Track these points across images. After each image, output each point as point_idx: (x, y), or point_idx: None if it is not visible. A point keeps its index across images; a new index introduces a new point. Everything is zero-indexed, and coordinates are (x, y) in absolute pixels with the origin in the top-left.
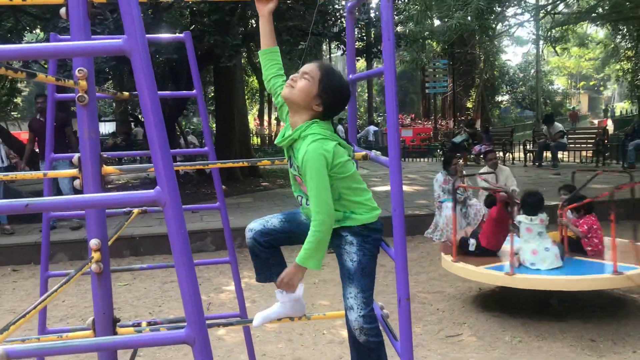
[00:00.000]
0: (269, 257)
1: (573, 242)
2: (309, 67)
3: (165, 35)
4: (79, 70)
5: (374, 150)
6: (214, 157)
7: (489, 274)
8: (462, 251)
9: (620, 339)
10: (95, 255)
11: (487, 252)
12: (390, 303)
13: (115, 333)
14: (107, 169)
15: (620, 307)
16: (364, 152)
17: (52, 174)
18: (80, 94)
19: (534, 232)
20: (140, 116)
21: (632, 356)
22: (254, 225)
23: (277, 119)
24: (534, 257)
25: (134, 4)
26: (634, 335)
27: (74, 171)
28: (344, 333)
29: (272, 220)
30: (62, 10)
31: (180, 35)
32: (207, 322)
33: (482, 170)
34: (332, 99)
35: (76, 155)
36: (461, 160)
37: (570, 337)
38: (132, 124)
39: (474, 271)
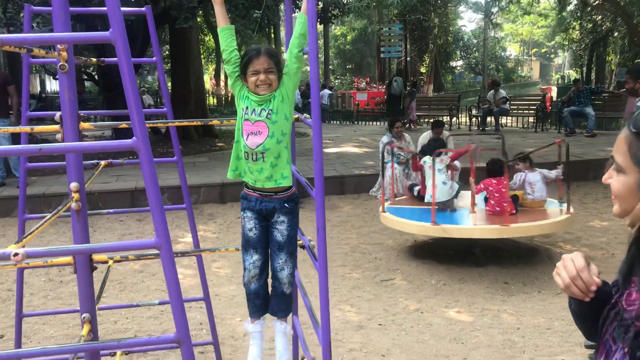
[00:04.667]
0: (267, 293)
1: None
2: (266, 62)
3: (127, 9)
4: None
5: (305, 114)
6: (172, 118)
7: (415, 225)
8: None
9: (530, 281)
10: (75, 196)
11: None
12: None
13: (91, 261)
14: (84, 124)
15: (533, 256)
16: (296, 115)
17: (38, 129)
18: (61, 63)
19: (435, 170)
20: (93, 74)
21: (537, 295)
22: (254, 272)
23: None
24: (433, 190)
25: (117, 6)
26: (540, 278)
27: (56, 126)
28: None
29: (253, 257)
30: None
31: (142, 9)
32: None
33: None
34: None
35: (58, 113)
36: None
37: (488, 280)
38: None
39: (404, 223)
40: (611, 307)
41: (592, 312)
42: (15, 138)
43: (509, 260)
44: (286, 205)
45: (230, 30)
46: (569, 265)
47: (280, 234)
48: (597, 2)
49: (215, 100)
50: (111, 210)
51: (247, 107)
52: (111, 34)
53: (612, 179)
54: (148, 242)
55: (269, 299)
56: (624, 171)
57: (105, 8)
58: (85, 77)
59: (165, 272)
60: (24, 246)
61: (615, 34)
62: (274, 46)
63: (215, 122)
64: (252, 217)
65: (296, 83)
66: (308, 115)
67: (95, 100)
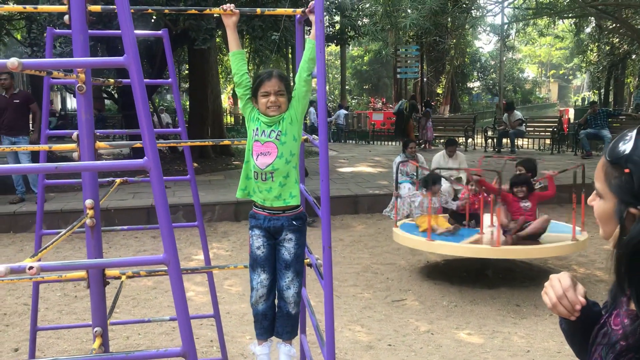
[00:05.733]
0: (273, 313)
1: None
2: (277, 84)
3: (143, 32)
4: None
5: (313, 135)
6: (185, 137)
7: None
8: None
9: (541, 304)
10: (90, 212)
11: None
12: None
13: (104, 276)
14: (100, 144)
15: (546, 278)
16: (305, 136)
17: (56, 147)
18: (79, 85)
19: None
20: (113, 92)
21: (549, 318)
22: (261, 292)
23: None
24: None
25: (131, 32)
26: None
27: (73, 145)
28: None
29: (261, 276)
30: (66, 17)
31: (159, 32)
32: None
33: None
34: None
35: (75, 132)
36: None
37: (499, 303)
38: (105, 100)
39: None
40: (600, 327)
41: (582, 331)
42: (35, 155)
43: (521, 283)
44: (294, 222)
45: (241, 54)
46: (556, 285)
47: (287, 252)
48: (612, 25)
49: (232, 119)
50: (125, 227)
51: (257, 129)
52: (125, 59)
53: (595, 203)
54: (156, 258)
55: (274, 320)
56: (602, 197)
57: None
58: (105, 95)
59: (172, 288)
60: (41, 260)
61: (634, 57)
62: (291, 66)
63: (226, 142)
64: (260, 235)
65: (305, 106)
66: (316, 136)
67: (115, 118)
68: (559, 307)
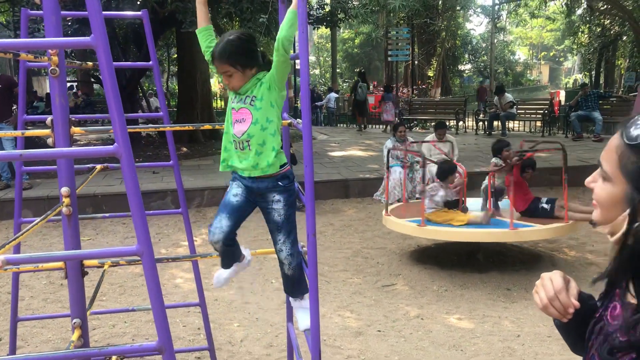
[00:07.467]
0: (234, 250)
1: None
2: (220, 67)
3: (124, 13)
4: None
5: (297, 119)
6: (167, 121)
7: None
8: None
9: (532, 288)
10: (66, 200)
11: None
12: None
13: (82, 266)
14: (75, 129)
15: (536, 262)
16: (289, 120)
17: (29, 133)
18: (52, 67)
19: None
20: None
21: None
22: (217, 237)
23: None
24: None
25: (98, 11)
26: None
27: (47, 131)
28: None
29: (223, 222)
30: None
31: (138, 13)
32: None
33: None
34: (252, 56)
35: (49, 117)
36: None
37: (490, 287)
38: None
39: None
40: (596, 322)
41: (577, 327)
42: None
43: (512, 266)
44: (280, 183)
45: (208, 30)
46: (547, 285)
47: (277, 214)
48: (603, 7)
49: (222, 103)
50: (107, 215)
51: (234, 97)
52: (92, 39)
53: (597, 184)
54: (130, 249)
55: (238, 252)
56: (610, 180)
57: (109, 12)
58: (93, 80)
59: (147, 280)
60: (27, 246)
61: (624, 38)
62: None
63: (207, 126)
64: (240, 186)
65: (283, 73)
66: (300, 120)
67: (104, 102)
68: (550, 309)
